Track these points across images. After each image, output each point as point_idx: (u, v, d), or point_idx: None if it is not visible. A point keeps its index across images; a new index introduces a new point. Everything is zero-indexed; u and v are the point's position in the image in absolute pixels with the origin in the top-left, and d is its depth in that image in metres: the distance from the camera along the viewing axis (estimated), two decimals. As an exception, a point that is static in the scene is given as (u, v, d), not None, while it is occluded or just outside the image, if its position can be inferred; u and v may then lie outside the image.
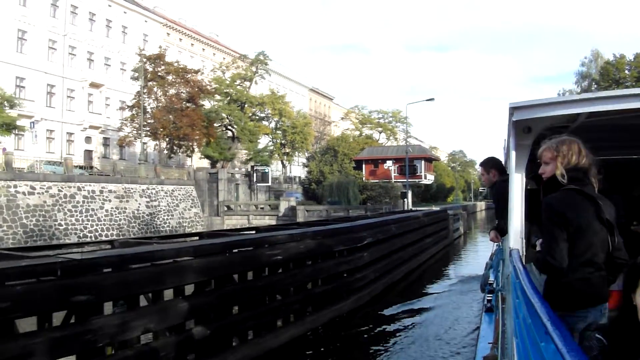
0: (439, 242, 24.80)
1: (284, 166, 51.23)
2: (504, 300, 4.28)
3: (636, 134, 3.89)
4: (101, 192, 27.73)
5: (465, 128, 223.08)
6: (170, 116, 34.82)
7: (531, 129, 3.08)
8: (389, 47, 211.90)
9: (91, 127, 42.60)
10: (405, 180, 47.92)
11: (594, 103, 2.75)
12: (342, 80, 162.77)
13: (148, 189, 30.79)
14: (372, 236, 12.92)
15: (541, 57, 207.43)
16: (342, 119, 72.79)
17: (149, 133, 36.02)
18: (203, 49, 56.40)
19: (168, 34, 51.78)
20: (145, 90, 35.88)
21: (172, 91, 36.31)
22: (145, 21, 49.01)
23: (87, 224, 26.38)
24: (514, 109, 2.90)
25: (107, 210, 27.61)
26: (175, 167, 40.22)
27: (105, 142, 44.47)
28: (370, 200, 46.42)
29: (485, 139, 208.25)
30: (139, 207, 29.63)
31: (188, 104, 37.48)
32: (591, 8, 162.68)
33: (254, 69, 43.59)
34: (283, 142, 48.81)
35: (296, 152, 49.67)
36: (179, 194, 33.02)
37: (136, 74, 35.35)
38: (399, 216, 16.71)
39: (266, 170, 36.62)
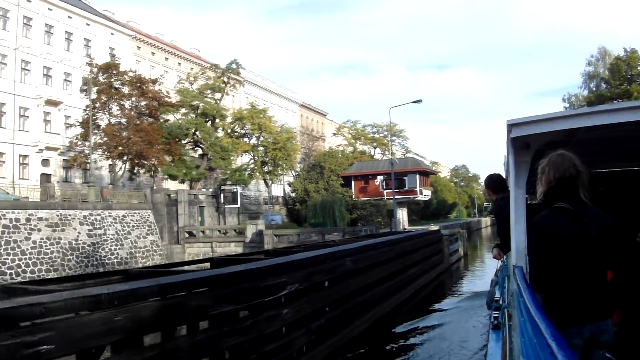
0: (429, 270, 20.16)
1: (267, 185, 46.82)
2: (511, 317, 4.00)
3: (636, 145, 3.93)
4: (28, 220, 23.37)
5: (469, 144, 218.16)
6: (125, 132, 30.68)
7: (530, 145, 3.12)
8: (390, 66, 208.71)
9: (48, 148, 38.56)
10: (398, 196, 43.44)
11: (591, 117, 2.76)
12: (342, 100, 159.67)
13: (91, 215, 26.41)
14: (301, 280, 8.41)
15: (544, 70, 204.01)
16: (334, 134, 68.67)
17: (106, 153, 31.91)
18: (179, 64, 52.72)
19: (139, 47, 48.16)
20: (98, 104, 31.90)
21: (128, 104, 32.27)
22: (112, 34, 45.44)
23: (7, 259, 21.95)
24: (511, 126, 2.95)
25: (35, 242, 23.19)
26: (137, 189, 35.94)
27: (66, 165, 40.31)
28: (361, 220, 41.86)
29: (490, 154, 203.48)
30: (78, 236, 25.20)
31: (150, 118, 33.47)
32: (593, 15, 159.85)
33: (225, 79, 39.57)
34: (264, 159, 44.53)
35: (279, 170, 45.26)
36: (132, 220, 28.58)
37: (85, 86, 31.35)
38: (359, 244, 12.19)
39: (235, 190, 32.19)
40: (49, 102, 38.94)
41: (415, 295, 16.40)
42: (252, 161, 44.98)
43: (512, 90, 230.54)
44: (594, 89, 40.82)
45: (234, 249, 27.36)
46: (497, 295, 5.50)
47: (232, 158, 43.15)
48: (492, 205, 5.19)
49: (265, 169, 45.08)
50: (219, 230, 29.03)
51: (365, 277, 11.46)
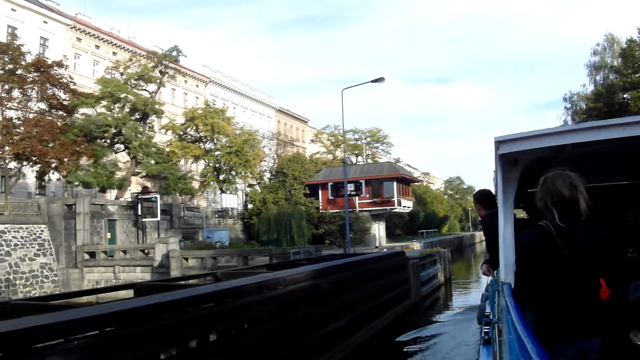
0: (381, 314, 13.75)
1: (223, 193, 40.48)
2: (501, 333, 4.02)
3: (625, 160, 4.04)
4: None
5: (468, 157, 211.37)
6: (21, 128, 24.53)
7: (518, 162, 3.10)
8: (389, 79, 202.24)
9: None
10: (373, 208, 37.25)
11: (578, 134, 2.77)
12: (338, 113, 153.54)
13: (-51, 231, 20.09)
14: None
15: (545, 83, 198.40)
16: (312, 140, 62.55)
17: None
18: (131, 59, 46.61)
19: (79, 39, 42.21)
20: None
21: (32, 94, 26.20)
22: (45, 22, 39.45)
23: None
24: (499, 143, 2.92)
25: None
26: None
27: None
28: (328, 236, 35.54)
29: (488, 166, 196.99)
30: None
31: (63, 112, 27.35)
32: (594, 25, 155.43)
33: (162, 68, 33.59)
34: (218, 165, 38.23)
35: (237, 178, 38.93)
36: (15, 237, 22.20)
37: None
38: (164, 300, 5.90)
39: (153, 199, 25.87)
40: (-44, 97, 32.77)
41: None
42: (207, 168, 38.80)
43: (513, 103, 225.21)
44: (601, 82, 34.88)
45: (140, 274, 21.01)
46: (488, 310, 5.27)
47: (179, 163, 37.09)
48: (482, 220, 5.08)
49: (222, 177, 38.79)
50: (124, 251, 22.62)
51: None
